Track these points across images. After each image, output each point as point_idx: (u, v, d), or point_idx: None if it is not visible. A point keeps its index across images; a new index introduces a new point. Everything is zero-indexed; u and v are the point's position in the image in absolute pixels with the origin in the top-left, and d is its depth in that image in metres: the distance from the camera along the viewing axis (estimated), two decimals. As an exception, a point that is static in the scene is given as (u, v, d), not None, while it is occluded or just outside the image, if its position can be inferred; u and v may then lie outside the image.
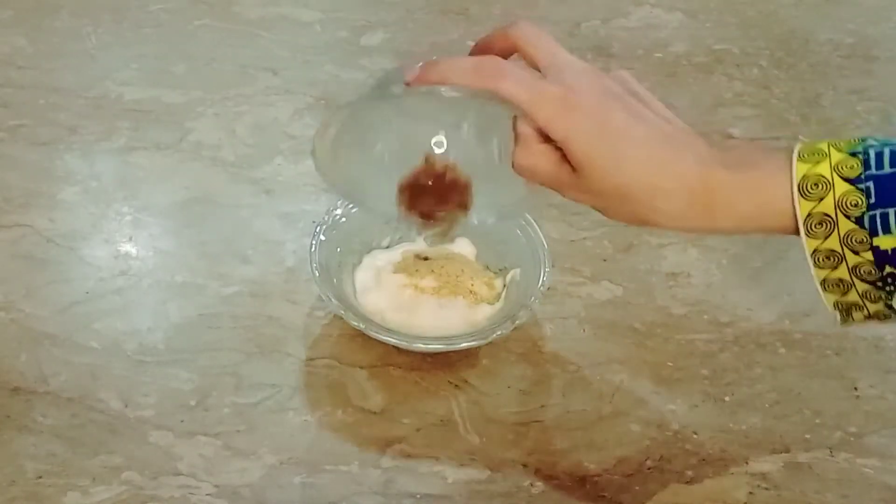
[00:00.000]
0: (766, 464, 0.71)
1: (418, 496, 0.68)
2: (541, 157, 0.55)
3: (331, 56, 1.02)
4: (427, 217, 0.64)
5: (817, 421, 0.74)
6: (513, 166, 0.56)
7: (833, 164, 0.50)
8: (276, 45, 1.03)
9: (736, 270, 0.84)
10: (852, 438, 0.73)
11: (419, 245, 0.80)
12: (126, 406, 0.72)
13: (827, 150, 0.51)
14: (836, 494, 0.70)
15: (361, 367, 0.75)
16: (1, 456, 0.69)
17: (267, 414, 0.72)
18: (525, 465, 0.70)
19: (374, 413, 0.73)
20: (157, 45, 1.02)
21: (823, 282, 0.52)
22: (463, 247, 0.80)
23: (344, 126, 0.61)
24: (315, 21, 1.06)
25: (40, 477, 0.68)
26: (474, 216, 0.64)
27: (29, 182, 0.87)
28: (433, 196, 0.63)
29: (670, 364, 0.77)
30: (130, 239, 0.83)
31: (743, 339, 0.79)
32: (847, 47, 1.07)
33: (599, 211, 0.56)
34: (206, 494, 0.67)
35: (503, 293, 0.77)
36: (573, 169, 0.54)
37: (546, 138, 0.54)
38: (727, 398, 0.75)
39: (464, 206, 0.64)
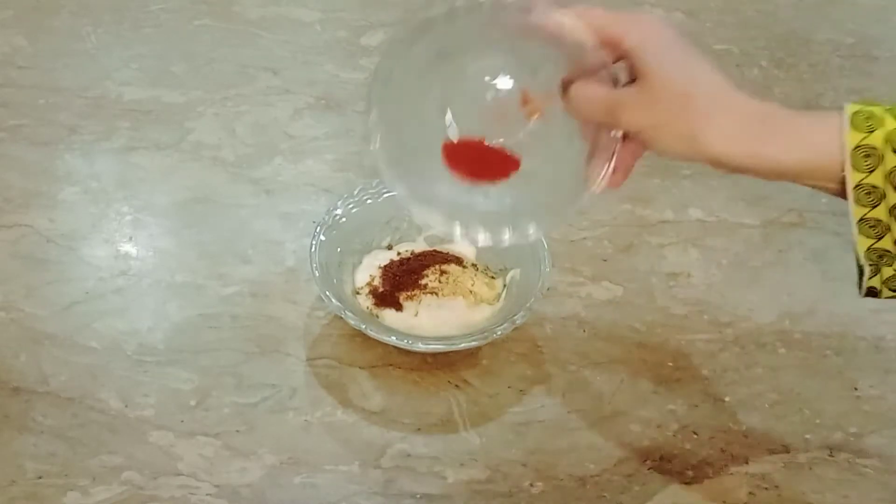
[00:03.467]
0: (766, 464, 0.71)
1: (418, 496, 0.68)
2: (597, 85, 0.56)
3: (331, 56, 1.02)
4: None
5: (817, 421, 0.74)
6: (568, 99, 0.57)
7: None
8: (276, 45, 1.03)
9: (736, 270, 0.84)
10: (852, 438, 0.73)
11: (419, 245, 0.80)
12: (126, 406, 0.72)
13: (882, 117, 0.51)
14: (836, 494, 0.70)
15: (361, 367, 0.75)
16: (1, 456, 0.68)
17: (267, 414, 0.72)
18: (525, 465, 0.70)
19: (374, 413, 0.73)
20: (157, 44, 1.02)
21: (860, 221, 0.52)
22: (463, 247, 0.80)
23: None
24: (315, 21, 1.06)
25: (40, 477, 0.68)
26: (513, 233, 0.63)
27: (29, 182, 0.87)
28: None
29: (670, 364, 0.77)
30: (130, 239, 0.83)
31: (743, 339, 0.79)
32: (847, 47, 1.07)
33: (647, 138, 0.55)
34: (206, 494, 0.67)
35: (503, 293, 0.77)
36: (634, 84, 0.55)
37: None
38: (727, 398, 0.75)
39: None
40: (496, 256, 0.79)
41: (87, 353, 0.75)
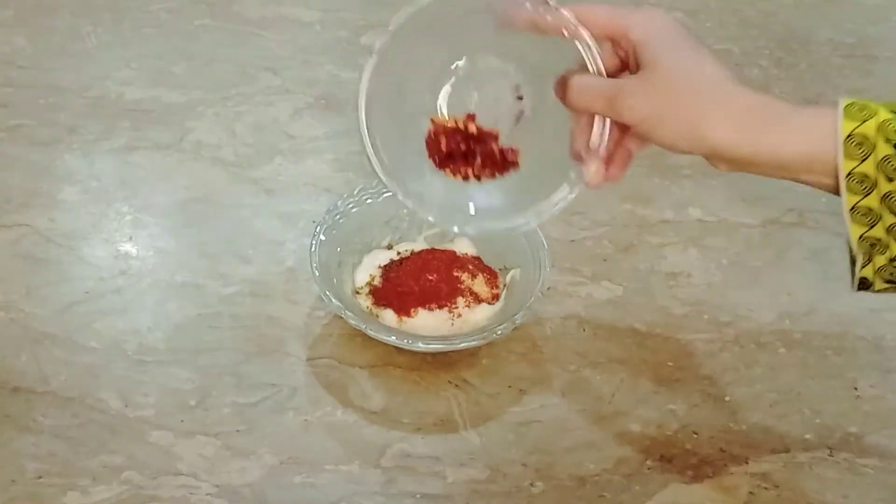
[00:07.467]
0: (766, 464, 0.71)
1: (418, 496, 0.68)
2: (597, 76, 0.57)
3: (331, 56, 1.02)
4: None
5: (817, 421, 0.74)
6: (565, 95, 0.57)
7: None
8: (276, 45, 1.03)
9: (736, 270, 0.84)
10: (852, 438, 0.73)
11: (419, 244, 0.80)
12: (126, 406, 0.72)
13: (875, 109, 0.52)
14: (836, 494, 0.70)
15: (361, 367, 0.75)
16: (1, 456, 0.68)
17: (267, 414, 0.72)
18: (525, 465, 0.70)
19: (374, 413, 0.73)
20: (157, 45, 1.02)
21: (853, 210, 0.52)
22: (463, 247, 0.80)
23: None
24: (315, 21, 1.06)
25: (40, 477, 0.68)
26: (514, 220, 0.63)
27: (29, 182, 0.87)
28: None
29: (670, 364, 0.77)
30: (130, 239, 0.83)
31: (743, 339, 0.79)
32: (847, 47, 1.07)
33: (647, 127, 0.55)
34: (206, 494, 0.67)
35: (503, 293, 0.77)
36: (636, 75, 0.56)
37: None
38: (727, 398, 0.75)
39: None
40: (496, 256, 0.79)
41: (87, 352, 0.75)
